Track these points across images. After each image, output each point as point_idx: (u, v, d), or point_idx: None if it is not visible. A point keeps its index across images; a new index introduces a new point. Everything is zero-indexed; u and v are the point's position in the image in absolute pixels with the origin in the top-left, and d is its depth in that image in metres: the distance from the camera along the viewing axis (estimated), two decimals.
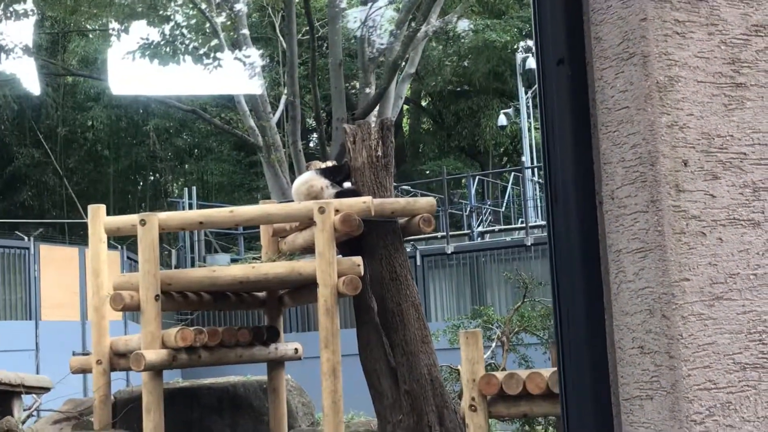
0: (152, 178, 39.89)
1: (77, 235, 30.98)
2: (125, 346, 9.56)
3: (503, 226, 24.28)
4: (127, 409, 9.92)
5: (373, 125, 9.38)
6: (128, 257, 21.93)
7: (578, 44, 2.17)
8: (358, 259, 8.80)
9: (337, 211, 8.62)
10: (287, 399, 10.39)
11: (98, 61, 33.69)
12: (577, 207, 2.14)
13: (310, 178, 9.27)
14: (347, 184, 9.11)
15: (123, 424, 9.82)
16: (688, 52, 2.06)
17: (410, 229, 9.29)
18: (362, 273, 8.80)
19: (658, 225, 2.00)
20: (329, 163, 10.22)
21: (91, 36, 34.34)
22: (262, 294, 10.25)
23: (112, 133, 36.49)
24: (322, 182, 9.13)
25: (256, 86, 22.49)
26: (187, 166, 38.75)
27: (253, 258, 10.22)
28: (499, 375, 7.57)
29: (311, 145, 36.58)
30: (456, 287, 20.58)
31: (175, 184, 39.54)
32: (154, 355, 8.74)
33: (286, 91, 22.62)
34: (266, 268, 9.10)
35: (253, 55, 22.52)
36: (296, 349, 10.26)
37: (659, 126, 2.02)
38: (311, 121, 35.66)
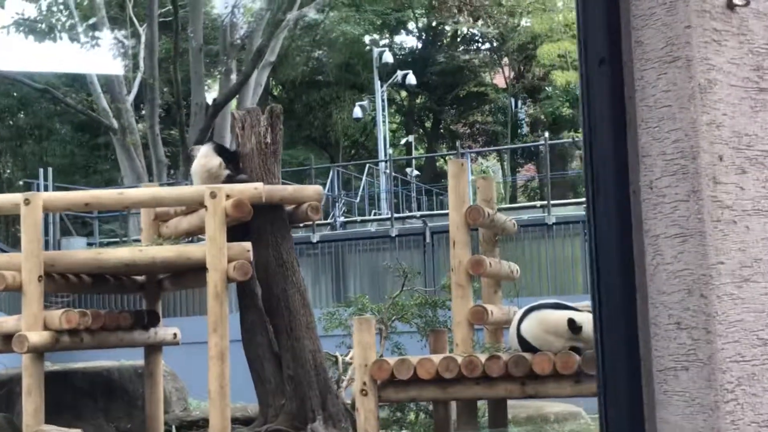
0: None
1: None
2: None
3: (365, 217, 24.59)
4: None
5: (263, 112, 9.43)
6: None
7: (617, 46, 2.37)
8: (247, 245, 8.82)
9: (228, 196, 8.63)
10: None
11: None
12: (616, 196, 2.34)
13: (206, 152, 9.24)
14: (241, 176, 9.10)
15: None
16: (723, 58, 2.28)
17: (297, 216, 9.40)
18: (251, 258, 8.84)
19: (698, 213, 2.22)
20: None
21: None
22: (141, 278, 10.14)
23: None
24: (218, 160, 9.11)
25: (118, 67, 22.11)
26: (25, 147, 37.47)
27: (134, 241, 10.09)
28: (391, 360, 7.77)
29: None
30: (321, 276, 20.75)
31: (14, 167, 38.19)
32: (37, 337, 8.56)
33: (144, 73, 22.25)
34: (154, 251, 9.00)
35: (118, 35, 22.10)
36: (175, 334, 10.20)
37: (700, 124, 2.24)
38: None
